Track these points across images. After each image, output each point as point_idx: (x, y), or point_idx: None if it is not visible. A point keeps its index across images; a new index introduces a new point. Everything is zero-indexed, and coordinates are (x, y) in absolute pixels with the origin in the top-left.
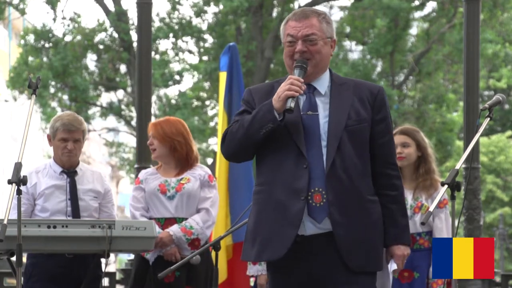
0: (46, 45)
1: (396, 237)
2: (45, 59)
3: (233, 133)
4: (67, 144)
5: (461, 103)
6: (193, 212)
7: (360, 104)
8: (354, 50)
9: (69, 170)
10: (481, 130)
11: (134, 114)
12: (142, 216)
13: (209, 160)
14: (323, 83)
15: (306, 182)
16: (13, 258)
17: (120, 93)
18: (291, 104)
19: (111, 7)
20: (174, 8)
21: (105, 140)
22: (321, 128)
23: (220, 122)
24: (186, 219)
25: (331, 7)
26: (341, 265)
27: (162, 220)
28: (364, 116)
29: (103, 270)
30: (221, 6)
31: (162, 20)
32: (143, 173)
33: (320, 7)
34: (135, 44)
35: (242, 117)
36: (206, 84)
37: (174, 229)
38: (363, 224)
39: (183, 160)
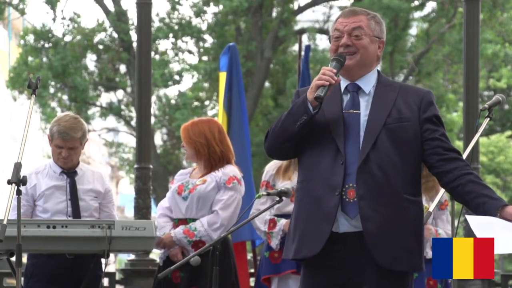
0: (46, 45)
1: (502, 202)
2: (44, 59)
3: (273, 129)
4: (62, 151)
5: (461, 103)
6: (205, 214)
7: (404, 104)
8: None
9: (69, 170)
10: (480, 130)
11: (134, 114)
12: (161, 216)
13: None
14: (368, 83)
15: (341, 178)
16: (13, 258)
17: (120, 93)
18: (320, 92)
19: (111, 7)
20: (173, 8)
21: (105, 140)
22: (361, 126)
23: (219, 122)
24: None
25: (331, 7)
26: (374, 265)
27: (176, 221)
28: (407, 115)
29: (103, 270)
30: (220, 6)
31: (161, 20)
32: (178, 173)
33: (320, 7)
34: (135, 44)
35: (282, 113)
36: (206, 84)
37: (176, 231)
38: (396, 221)
39: (207, 161)
